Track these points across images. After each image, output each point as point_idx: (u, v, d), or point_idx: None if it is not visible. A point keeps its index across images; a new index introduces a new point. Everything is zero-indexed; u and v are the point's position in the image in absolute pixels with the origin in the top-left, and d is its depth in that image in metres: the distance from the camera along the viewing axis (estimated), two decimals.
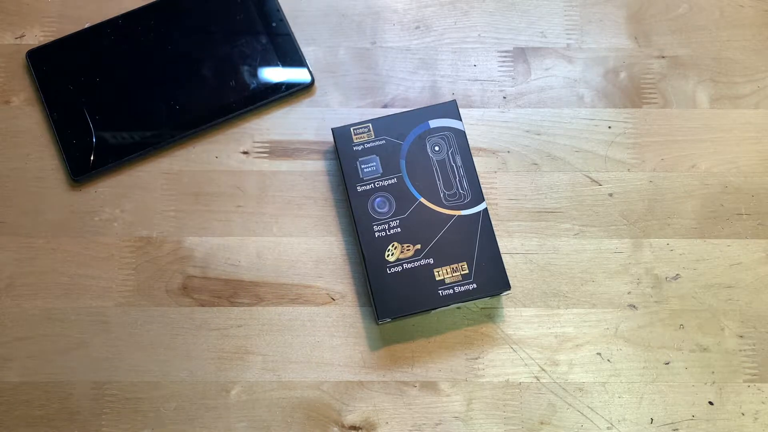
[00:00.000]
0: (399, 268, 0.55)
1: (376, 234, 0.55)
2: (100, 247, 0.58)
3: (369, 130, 0.57)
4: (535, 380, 0.55)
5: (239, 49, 0.61)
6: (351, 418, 0.55)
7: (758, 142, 0.60)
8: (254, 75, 0.61)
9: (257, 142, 0.60)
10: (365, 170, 0.57)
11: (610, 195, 0.59)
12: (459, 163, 0.57)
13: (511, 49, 0.62)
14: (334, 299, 0.57)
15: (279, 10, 0.62)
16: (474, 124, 0.61)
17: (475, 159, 0.59)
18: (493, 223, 0.57)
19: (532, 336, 0.56)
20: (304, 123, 0.61)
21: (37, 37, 0.62)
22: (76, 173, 0.58)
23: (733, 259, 0.58)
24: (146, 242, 0.58)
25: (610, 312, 0.57)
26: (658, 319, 0.57)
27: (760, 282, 0.57)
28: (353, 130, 0.57)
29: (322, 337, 0.56)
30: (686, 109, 0.61)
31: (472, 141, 0.60)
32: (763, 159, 0.60)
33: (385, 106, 0.61)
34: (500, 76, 0.62)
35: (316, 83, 0.62)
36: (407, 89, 0.61)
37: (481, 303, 0.57)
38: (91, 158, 0.59)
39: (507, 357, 0.56)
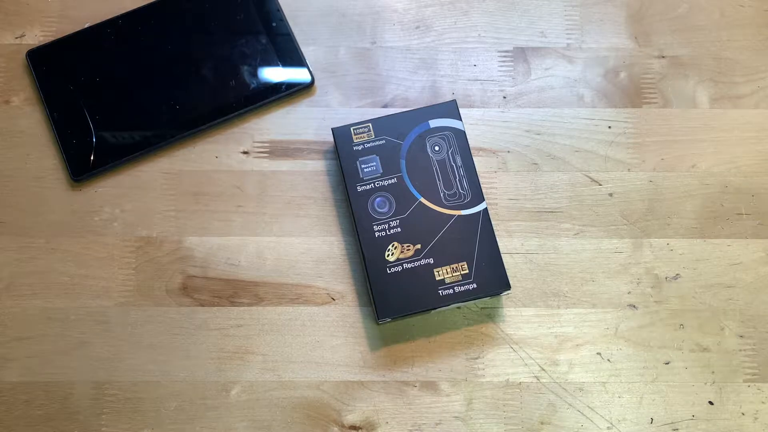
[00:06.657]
0: (399, 268, 0.55)
1: (376, 234, 0.55)
2: (100, 247, 0.58)
3: (369, 130, 0.57)
4: (535, 380, 0.55)
5: (239, 49, 0.61)
6: (351, 418, 0.55)
7: (758, 142, 0.60)
8: (254, 75, 0.61)
9: (257, 142, 0.60)
10: (365, 170, 0.57)
11: (610, 195, 0.59)
12: (459, 162, 0.57)
13: (511, 49, 0.62)
14: (334, 299, 0.57)
15: (279, 10, 0.62)
16: (474, 124, 0.61)
17: (475, 159, 0.59)
18: (493, 223, 0.57)
19: (532, 336, 0.56)
20: (304, 123, 0.61)
21: (37, 37, 0.62)
22: (76, 173, 0.58)
23: (733, 259, 0.58)
24: (146, 242, 0.58)
25: (610, 312, 0.57)
26: (658, 319, 0.57)
27: (760, 282, 0.57)
28: (353, 130, 0.57)
29: (322, 337, 0.56)
30: (686, 109, 0.61)
31: (472, 141, 0.60)
32: (763, 159, 0.60)
33: (385, 106, 0.61)
34: (500, 75, 0.62)
35: (316, 83, 0.62)
36: (407, 89, 0.61)
37: (481, 303, 0.57)
38: (91, 158, 0.59)
39: (507, 357, 0.56)
